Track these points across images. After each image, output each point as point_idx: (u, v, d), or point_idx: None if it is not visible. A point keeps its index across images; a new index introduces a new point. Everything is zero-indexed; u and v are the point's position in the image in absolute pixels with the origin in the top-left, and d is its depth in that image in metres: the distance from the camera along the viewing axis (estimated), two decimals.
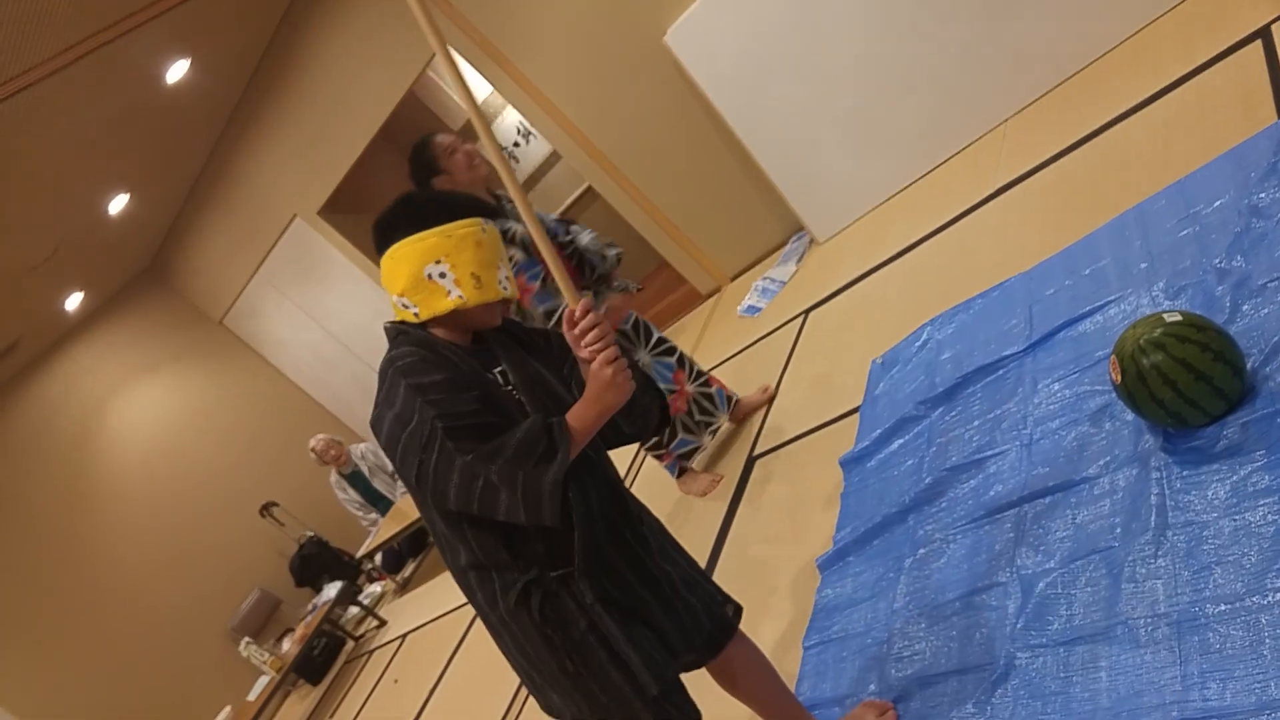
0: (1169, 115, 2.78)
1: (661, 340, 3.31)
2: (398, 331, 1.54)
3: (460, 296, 1.48)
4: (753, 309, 4.47)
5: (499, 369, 1.56)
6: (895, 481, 2.44)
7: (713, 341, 4.62)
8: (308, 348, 7.55)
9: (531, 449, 1.38)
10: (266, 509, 7.11)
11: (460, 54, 4.70)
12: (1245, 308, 1.88)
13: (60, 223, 5.58)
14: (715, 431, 3.39)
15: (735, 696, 1.76)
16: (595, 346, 1.45)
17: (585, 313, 1.46)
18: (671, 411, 3.28)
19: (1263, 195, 2.09)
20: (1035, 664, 1.61)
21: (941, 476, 2.25)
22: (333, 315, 7.16)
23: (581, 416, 1.45)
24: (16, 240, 5.34)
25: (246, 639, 5.97)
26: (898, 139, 3.98)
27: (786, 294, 4.32)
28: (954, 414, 2.47)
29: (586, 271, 3.11)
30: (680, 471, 3.40)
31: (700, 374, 3.37)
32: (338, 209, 6.19)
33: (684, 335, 5.12)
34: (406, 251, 1.48)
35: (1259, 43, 2.63)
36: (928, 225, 3.59)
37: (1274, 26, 2.63)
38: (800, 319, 3.93)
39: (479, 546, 1.49)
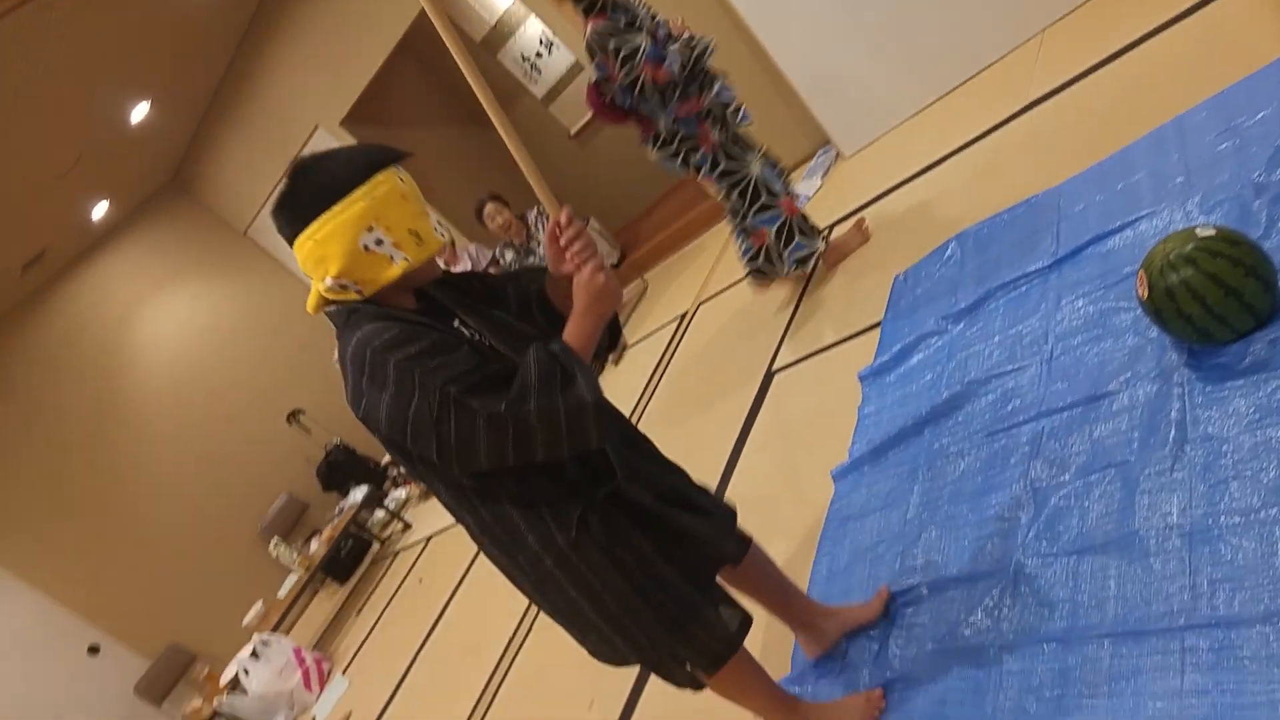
0: (1211, 25, 2.67)
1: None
2: (349, 312, 1.39)
3: (406, 259, 1.37)
4: None
5: (455, 322, 1.48)
6: (914, 396, 2.44)
7: (735, 258, 4.57)
8: None
9: (551, 380, 1.30)
10: (294, 416, 7.29)
11: None
12: None
13: (84, 130, 5.57)
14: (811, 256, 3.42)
15: (743, 590, 1.80)
16: (582, 256, 1.42)
17: (569, 222, 1.44)
18: (788, 213, 3.39)
19: None
20: (1045, 572, 1.64)
21: (959, 391, 2.25)
22: None
23: (578, 332, 1.40)
24: (42, 149, 5.34)
25: (276, 539, 6.18)
26: (929, 51, 3.85)
27: (811, 209, 4.23)
28: (975, 329, 2.45)
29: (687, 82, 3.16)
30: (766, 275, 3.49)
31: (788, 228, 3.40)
32: (360, 119, 6.12)
33: (706, 252, 5.08)
34: (330, 230, 1.33)
35: None
36: (957, 140, 3.50)
37: None
38: (825, 234, 3.87)
39: (523, 489, 1.41)
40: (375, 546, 6.39)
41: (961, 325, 2.52)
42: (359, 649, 5.09)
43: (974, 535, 1.87)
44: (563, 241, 1.44)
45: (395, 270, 1.36)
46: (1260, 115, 2.15)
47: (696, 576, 1.59)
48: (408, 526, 6.19)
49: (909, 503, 2.11)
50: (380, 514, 6.56)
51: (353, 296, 1.39)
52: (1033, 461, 1.87)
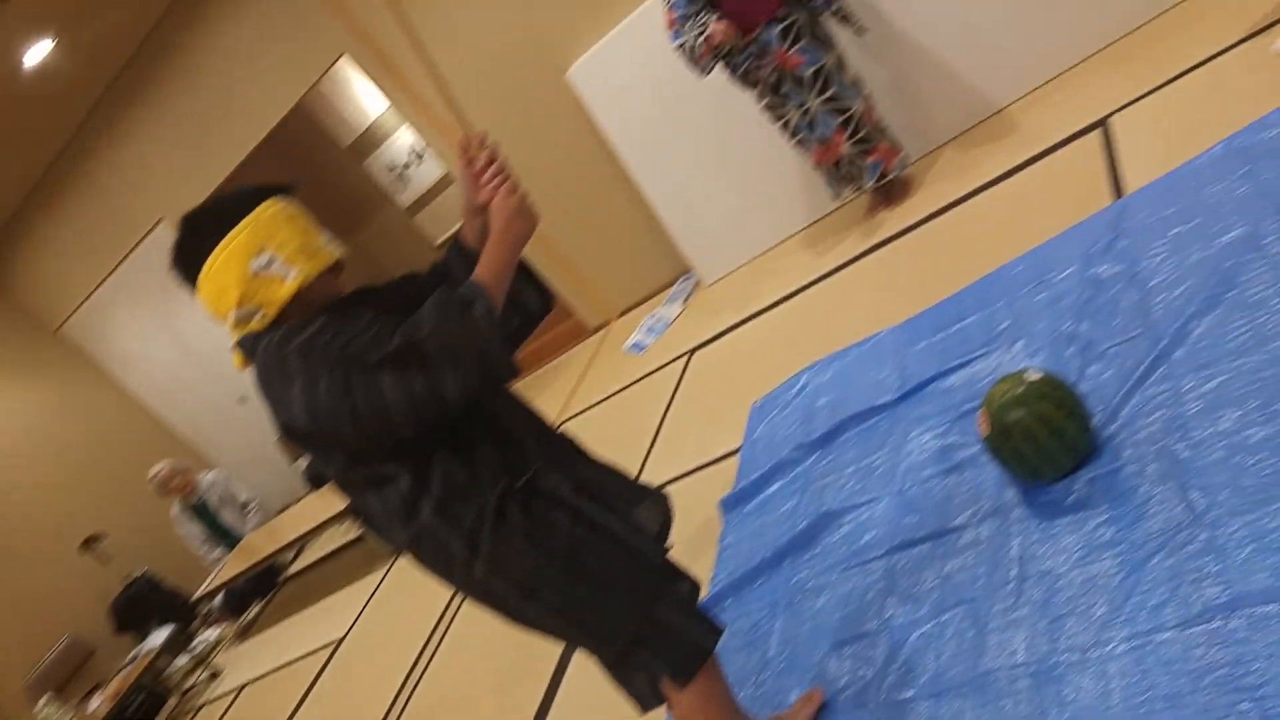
0: (1024, 189, 3.00)
1: (836, 97, 3.41)
2: (255, 337, 1.38)
3: (299, 272, 1.37)
4: (638, 346, 4.51)
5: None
6: (772, 526, 2.48)
7: (598, 376, 4.62)
8: (162, 366, 7.02)
9: (446, 305, 1.28)
10: (90, 542, 6.29)
11: (358, 65, 4.59)
12: (1091, 370, 2.03)
13: None
14: (857, 191, 3.68)
15: None
16: (495, 181, 1.41)
17: (481, 143, 1.43)
18: (815, 161, 3.60)
19: (1102, 269, 2.28)
20: (905, 717, 1.66)
21: (816, 521, 2.31)
22: (195, 333, 6.72)
23: (492, 258, 1.37)
24: None
25: (48, 695, 5.22)
26: (786, 189, 4.12)
27: (672, 333, 4.38)
28: (829, 459, 2.54)
29: None
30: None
31: (866, 139, 3.48)
32: None
33: (569, 369, 5.10)
34: (222, 262, 1.35)
35: (1099, 131, 2.89)
36: (810, 274, 3.73)
37: (1112, 119, 2.90)
38: (685, 358, 3.98)
39: (443, 482, 1.37)
40: (173, 701, 5.47)
41: (816, 455, 2.61)
42: None
43: (833, 678, 1.87)
44: (477, 164, 1.42)
45: (290, 286, 1.36)
46: (1067, 271, 2.40)
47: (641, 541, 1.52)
48: (216, 675, 5.36)
49: (770, 642, 2.11)
50: (183, 660, 5.66)
51: (258, 324, 1.38)
52: (888, 598, 1.92)
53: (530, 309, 1.59)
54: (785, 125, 3.56)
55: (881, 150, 3.52)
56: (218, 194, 1.43)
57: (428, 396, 1.26)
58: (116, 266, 6.43)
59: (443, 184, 6.69)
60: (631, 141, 4.21)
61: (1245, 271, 1.90)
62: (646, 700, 1.54)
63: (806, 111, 3.44)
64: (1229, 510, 1.51)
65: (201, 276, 1.38)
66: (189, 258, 1.39)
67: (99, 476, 6.82)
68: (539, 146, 4.47)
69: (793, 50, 3.32)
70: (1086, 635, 1.52)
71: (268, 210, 1.39)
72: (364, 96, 6.47)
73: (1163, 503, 1.62)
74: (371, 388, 1.24)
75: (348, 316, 1.35)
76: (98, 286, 6.63)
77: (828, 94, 3.39)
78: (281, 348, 1.30)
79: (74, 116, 5.52)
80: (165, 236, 6.02)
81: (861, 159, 3.52)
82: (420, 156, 6.67)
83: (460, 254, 1.58)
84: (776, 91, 3.44)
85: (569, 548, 1.41)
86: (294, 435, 1.36)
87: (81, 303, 6.79)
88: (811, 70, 3.35)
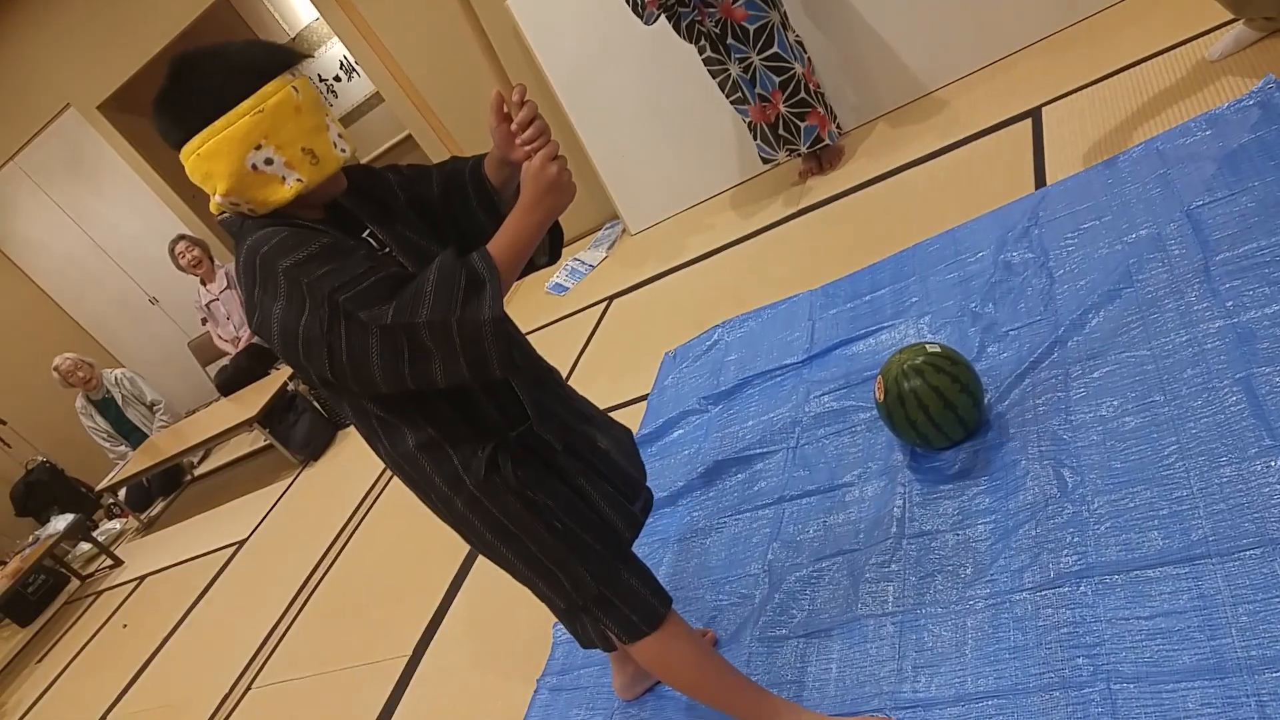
0: (951, 169, 3.07)
1: (778, 57, 3.39)
2: (242, 219, 1.26)
3: (299, 180, 1.22)
4: (559, 287, 4.48)
5: (365, 233, 1.34)
6: (672, 469, 2.53)
7: (517, 313, 4.55)
8: (66, 256, 6.69)
9: (449, 287, 1.15)
10: None
11: None
12: (990, 349, 2.12)
13: None
14: (790, 154, 3.65)
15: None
16: (536, 142, 1.27)
17: (522, 100, 1.28)
18: (752, 119, 3.57)
19: (1014, 254, 2.36)
20: (777, 652, 1.73)
21: (713, 466, 2.37)
22: (102, 223, 6.39)
23: (519, 227, 1.24)
24: None
25: None
26: (718, 146, 4.12)
27: (594, 278, 4.37)
28: (732, 411, 2.60)
29: None
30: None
31: (804, 103, 3.48)
32: (123, 108, 5.54)
33: None
34: (214, 147, 1.19)
35: (1029, 121, 2.97)
36: (733, 233, 3.76)
37: (1044, 108, 2.98)
38: (604, 304, 3.98)
39: (431, 422, 1.30)
40: (73, 584, 5.56)
41: (720, 407, 2.66)
42: (33, 705, 4.38)
43: (712, 610, 1.94)
44: (515, 122, 1.28)
45: (287, 192, 1.22)
46: (980, 254, 2.48)
47: (620, 515, 1.49)
48: (118, 563, 5.42)
49: (658, 572, 2.16)
50: (85, 547, 5.72)
51: (246, 213, 1.25)
52: (772, 544, 1.99)
53: (537, 264, 1.47)
54: (725, 82, 3.53)
55: (817, 116, 3.54)
56: (221, 48, 1.22)
57: (412, 376, 1.18)
58: (19, 150, 6.06)
59: (371, 102, 6.45)
60: (568, 81, 4.13)
61: (1145, 270, 2.00)
62: (591, 644, 1.56)
63: (749, 67, 3.42)
64: (1094, 489, 1.60)
65: (187, 149, 1.22)
66: (176, 121, 1.22)
67: (1, 362, 6.59)
68: (472, 71, 4.36)
69: (739, 3, 3.29)
70: (952, 592, 1.60)
71: (274, 97, 1.20)
72: (296, 1, 6.17)
73: (1037, 478, 1.71)
74: (354, 345, 1.15)
75: (342, 245, 1.21)
76: (0, 165, 6.22)
77: (769, 51, 3.38)
78: (270, 261, 1.17)
79: None
80: (73, 123, 5.70)
81: (797, 122, 3.54)
82: (350, 71, 6.40)
83: (478, 178, 1.45)
84: (719, 46, 3.41)
85: (553, 505, 1.38)
86: (263, 340, 1.25)
87: None
88: (757, 25, 3.33)
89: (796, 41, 3.49)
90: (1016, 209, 2.56)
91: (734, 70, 3.45)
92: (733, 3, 3.29)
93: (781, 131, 3.58)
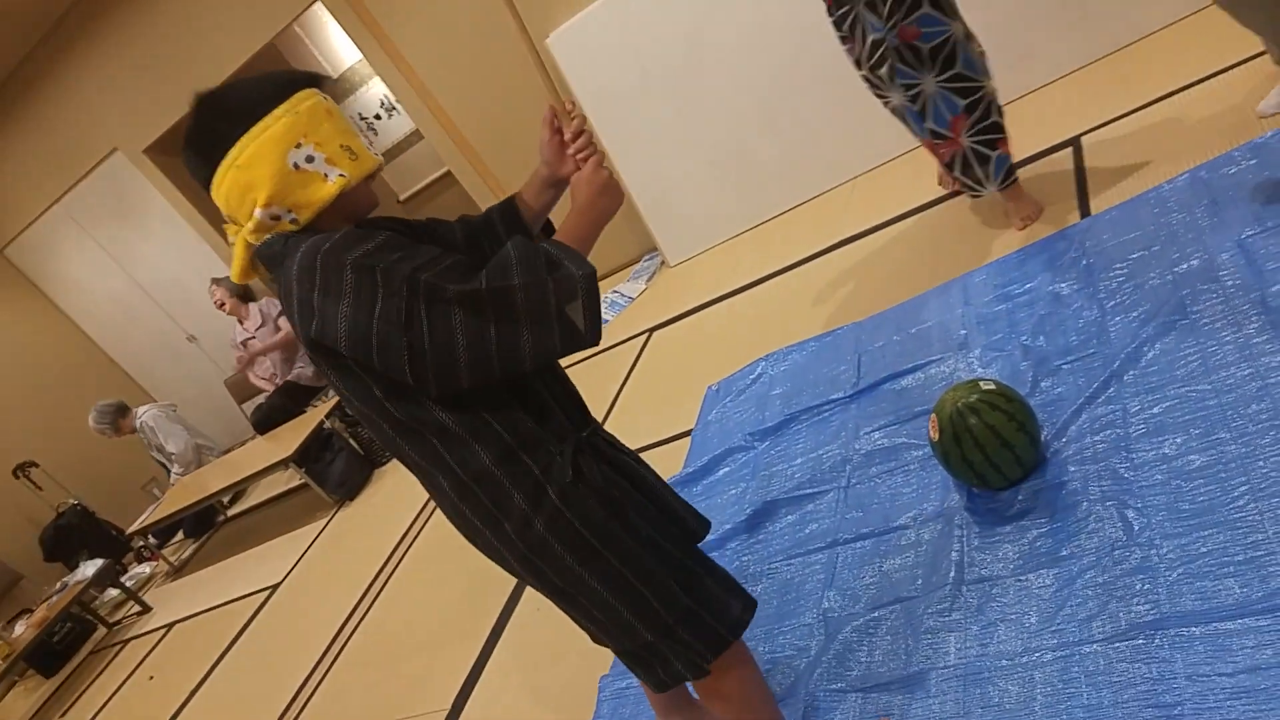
0: (994, 198, 3.01)
1: (961, 76, 2.54)
2: (285, 239, 1.20)
3: (342, 175, 1.20)
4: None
5: None
6: (718, 509, 2.50)
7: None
8: (108, 295, 6.84)
9: (534, 259, 1.14)
10: (23, 469, 6.23)
11: (333, 15, 4.46)
12: (1044, 384, 2.07)
13: None
14: (978, 197, 2.88)
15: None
16: (586, 150, 1.35)
17: (571, 111, 1.36)
18: (934, 155, 2.80)
19: (1064, 285, 2.32)
20: (836, 708, 1.68)
21: (761, 508, 2.33)
22: (144, 264, 6.54)
23: (574, 227, 1.25)
24: None
25: None
26: (757, 177, 4.12)
27: (634, 310, 4.37)
28: (779, 448, 2.56)
29: None
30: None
31: (988, 129, 2.63)
32: (167, 151, 5.68)
33: None
34: (255, 150, 1.17)
35: (1070, 150, 2.93)
36: (774, 264, 3.73)
37: (1083, 138, 2.94)
38: (644, 337, 3.97)
39: (508, 430, 1.22)
40: (100, 632, 5.41)
41: (767, 443, 2.62)
42: None
43: (765, 664, 1.90)
44: (568, 134, 1.32)
45: (331, 188, 1.19)
46: (1028, 286, 2.44)
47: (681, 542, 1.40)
48: (146, 609, 5.28)
49: None
50: (113, 594, 5.55)
51: (288, 227, 1.21)
52: (827, 590, 1.95)
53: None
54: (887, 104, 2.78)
55: (1008, 141, 2.70)
56: (239, 79, 1.24)
57: (502, 354, 1.13)
58: (66, 192, 6.23)
59: (411, 139, 6.56)
60: (607, 115, 4.16)
61: (1200, 301, 1.95)
62: (667, 685, 1.40)
63: (916, 96, 2.61)
64: (1163, 532, 1.55)
65: (224, 165, 1.18)
66: (209, 141, 1.19)
67: (36, 404, 6.70)
68: (511, 109, 4.40)
69: (912, 20, 2.48)
70: (1017, 643, 1.55)
71: (306, 100, 1.20)
72: (339, 42, 6.30)
73: (1101, 520, 1.65)
74: (440, 328, 1.10)
75: (405, 239, 1.17)
76: (45, 210, 6.41)
77: (951, 72, 2.54)
78: (334, 255, 1.11)
79: (32, 33, 5.30)
80: (119, 166, 5.84)
81: (987, 152, 2.67)
82: (391, 110, 6.52)
83: (508, 218, 1.45)
84: (876, 70, 2.64)
85: (629, 507, 1.31)
86: (321, 351, 1.18)
87: (28, 225, 6.57)
88: (933, 44, 2.50)
89: (981, 52, 2.64)
90: (1062, 239, 2.51)
91: (895, 100, 2.70)
92: (905, 20, 2.48)
93: (958, 173, 2.75)
